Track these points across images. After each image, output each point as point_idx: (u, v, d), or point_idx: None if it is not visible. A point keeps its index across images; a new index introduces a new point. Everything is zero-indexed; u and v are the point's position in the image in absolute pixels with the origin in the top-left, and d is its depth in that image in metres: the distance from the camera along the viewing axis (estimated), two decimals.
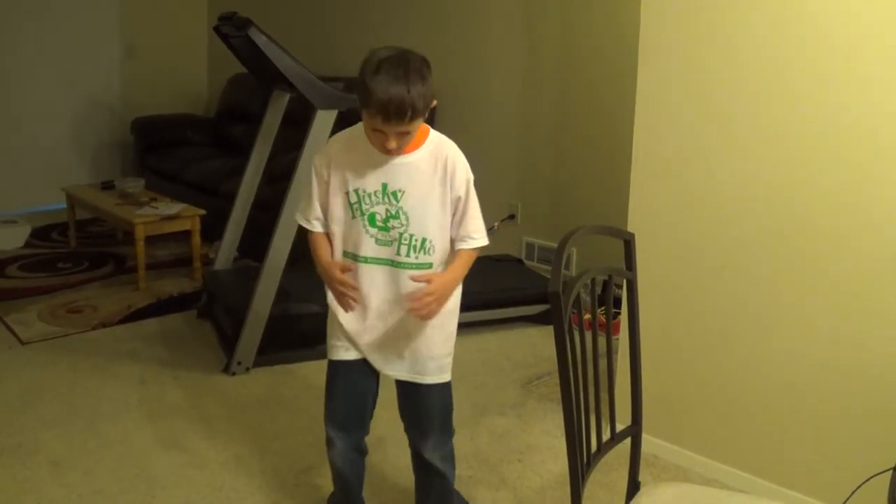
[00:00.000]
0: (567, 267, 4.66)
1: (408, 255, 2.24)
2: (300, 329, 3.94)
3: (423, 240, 2.24)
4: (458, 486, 2.78)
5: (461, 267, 2.29)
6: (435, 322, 2.32)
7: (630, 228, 2.98)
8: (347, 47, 6.23)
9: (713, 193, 2.82)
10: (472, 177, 2.28)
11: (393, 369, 2.38)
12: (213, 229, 4.99)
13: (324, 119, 3.59)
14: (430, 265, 2.27)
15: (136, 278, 4.95)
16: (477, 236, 2.30)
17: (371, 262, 2.27)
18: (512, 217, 5.27)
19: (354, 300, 2.30)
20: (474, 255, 2.32)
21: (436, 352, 2.36)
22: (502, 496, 2.87)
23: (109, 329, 4.34)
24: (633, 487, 2.10)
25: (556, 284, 1.61)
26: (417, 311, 2.22)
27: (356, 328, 2.35)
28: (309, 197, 2.32)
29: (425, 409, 2.44)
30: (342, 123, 3.66)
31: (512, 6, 5.12)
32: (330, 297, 2.38)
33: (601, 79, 4.68)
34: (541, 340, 4.23)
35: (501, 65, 5.24)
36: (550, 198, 5.08)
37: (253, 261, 4.77)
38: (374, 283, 2.29)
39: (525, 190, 5.22)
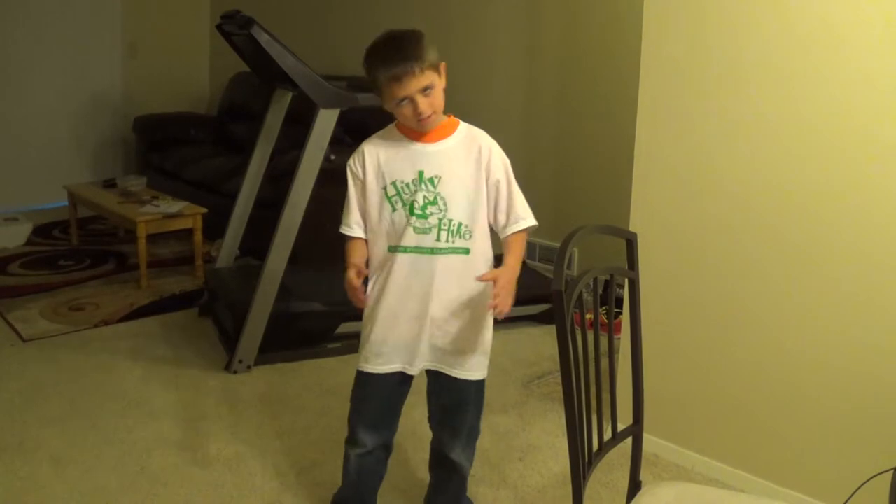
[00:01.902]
0: (569, 266, 4.65)
1: (446, 240, 2.28)
2: (302, 327, 3.94)
3: (460, 224, 2.29)
4: None
5: (517, 254, 2.34)
6: (477, 317, 2.36)
7: (632, 228, 2.99)
8: (350, 46, 6.22)
9: (715, 193, 2.82)
10: (508, 161, 2.37)
11: (428, 361, 2.39)
12: (214, 227, 4.99)
13: (326, 118, 3.59)
14: (466, 251, 2.31)
15: (138, 276, 4.95)
16: (527, 216, 2.36)
17: (411, 252, 2.29)
18: None
19: (359, 303, 2.35)
20: (526, 237, 2.38)
21: (472, 346, 2.39)
22: (503, 495, 2.87)
23: (111, 327, 4.34)
24: (634, 487, 2.10)
25: (559, 284, 1.61)
26: (498, 313, 2.24)
27: (391, 325, 2.36)
28: (347, 203, 2.37)
29: (463, 404, 2.46)
30: (344, 122, 3.69)
31: (513, 8, 5.12)
32: (368, 308, 2.40)
33: (603, 78, 4.68)
34: (542, 340, 4.23)
35: (503, 64, 5.24)
36: (552, 197, 5.08)
37: (254, 259, 4.78)
38: (408, 277, 2.31)
39: (526, 189, 5.17)
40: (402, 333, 2.35)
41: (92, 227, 6.25)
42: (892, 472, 2.04)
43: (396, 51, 2.16)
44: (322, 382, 3.70)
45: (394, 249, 2.30)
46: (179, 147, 6.70)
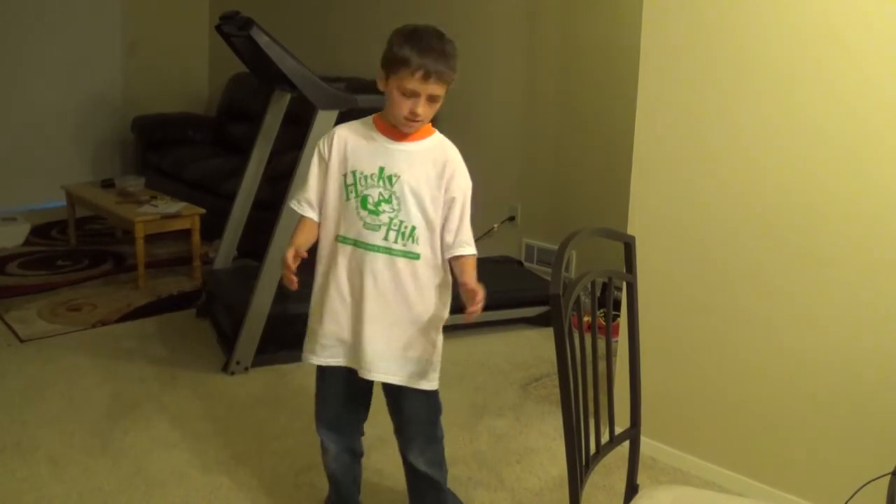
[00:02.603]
0: (567, 269, 4.66)
1: (395, 241, 2.25)
2: (299, 329, 3.89)
3: (413, 228, 2.25)
4: (457, 487, 2.79)
5: (468, 274, 2.28)
6: (420, 325, 2.32)
7: (630, 231, 2.99)
8: (349, 48, 6.23)
9: (714, 196, 2.82)
10: (470, 185, 2.31)
11: (373, 368, 2.33)
12: (212, 228, 4.99)
13: (325, 119, 3.59)
14: (417, 256, 2.28)
15: (136, 277, 4.95)
16: (471, 245, 2.32)
17: (356, 246, 2.27)
18: (512, 219, 5.27)
19: (290, 284, 2.27)
20: (474, 265, 2.32)
21: (413, 353, 2.33)
22: (500, 498, 2.87)
23: (109, 327, 4.34)
24: (632, 490, 2.10)
25: (557, 287, 1.61)
26: (472, 314, 2.23)
27: (334, 317, 2.33)
28: (305, 179, 2.35)
29: (407, 414, 2.43)
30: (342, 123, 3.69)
31: (513, 9, 5.12)
32: (314, 296, 2.38)
33: (602, 80, 4.68)
34: (540, 342, 4.23)
35: (502, 67, 5.24)
36: (550, 200, 5.08)
37: (252, 260, 4.77)
38: (356, 267, 2.28)
39: (525, 192, 5.22)
40: (343, 327, 2.33)
41: (90, 227, 6.24)
42: (889, 476, 2.04)
43: (440, 50, 2.14)
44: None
45: (342, 240, 2.29)
46: (178, 147, 6.71)
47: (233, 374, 3.76)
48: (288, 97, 4.19)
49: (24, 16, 6.67)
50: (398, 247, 2.26)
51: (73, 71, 7.02)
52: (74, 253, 5.64)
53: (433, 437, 2.48)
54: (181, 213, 5.06)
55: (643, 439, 2.18)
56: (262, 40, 3.54)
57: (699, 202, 2.86)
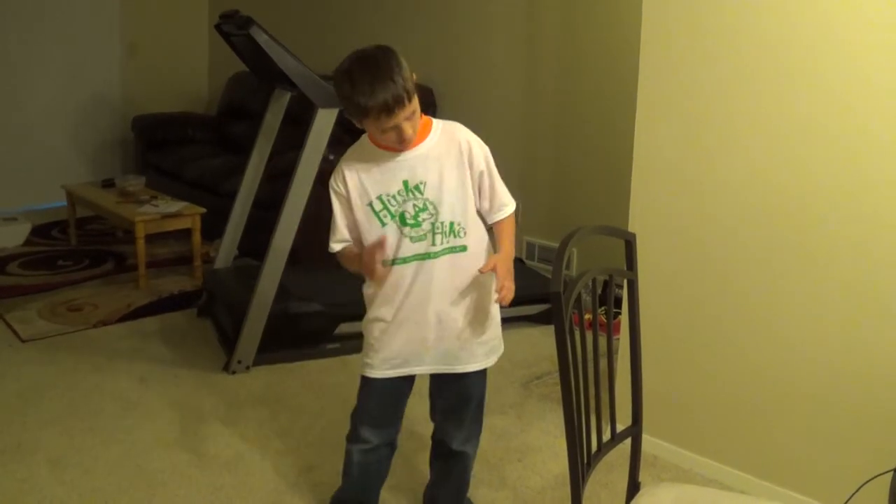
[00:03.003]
0: (567, 267, 4.65)
1: (441, 242, 2.27)
2: (300, 328, 3.94)
3: (452, 224, 2.27)
4: None
5: (509, 238, 2.37)
6: (486, 309, 2.37)
7: (631, 228, 2.98)
8: (348, 46, 6.18)
9: (714, 193, 2.82)
10: (487, 149, 2.34)
11: (437, 364, 2.38)
12: (213, 228, 4.99)
13: (324, 118, 3.59)
14: (464, 248, 2.30)
15: (137, 276, 4.95)
16: (509, 202, 2.39)
17: (411, 261, 2.27)
18: None
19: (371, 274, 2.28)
20: (513, 221, 2.41)
21: (481, 337, 2.38)
22: (502, 496, 2.87)
23: (109, 327, 4.33)
24: (634, 488, 2.09)
25: (558, 284, 1.61)
26: (504, 299, 2.24)
27: (395, 333, 2.34)
28: (333, 222, 2.33)
29: (466, 395, 2.47)
30: (343, 122, 3.68)
31: (512, 8, 5.12)
32: (368, 315, 2.39)
33: (602, 78, 4.67)
34: (541, 340, 4.22)
35: (502, 64, 5.23)
36: (551, 197, 5.08)
37: (253, 259, 4.77)
38: (415, 281, 2.29)
39: (525, 189, 5.21)
40: (408, 340, 2.34)
41: (90, 227, 6.24)
42: (891, 473, 2.04)
43: (380, 80, 2.07)
44: (321, 383, 3.69)
45: (391, 262, 2.28)
46: (178, 147, 6.70)
47: (234, 373, 3.76)
48: (288, 96, 4.18)
49: (24, 16, 6.67)
50: (446, 246, 2.28)
51: (74, 71, 7.02)
52: (75, 253, 5.64)
53: (481, 416, 2.56)
54: (181, 212, 5.06)
55: (645, 437, 2.17)
56: (262, 39, 3.53)
57: (699, 199, 2.86)
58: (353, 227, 2.31)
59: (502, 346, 2.47)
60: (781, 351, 2.73)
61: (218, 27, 3.90)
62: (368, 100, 2.07)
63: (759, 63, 2.64)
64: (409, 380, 2.43)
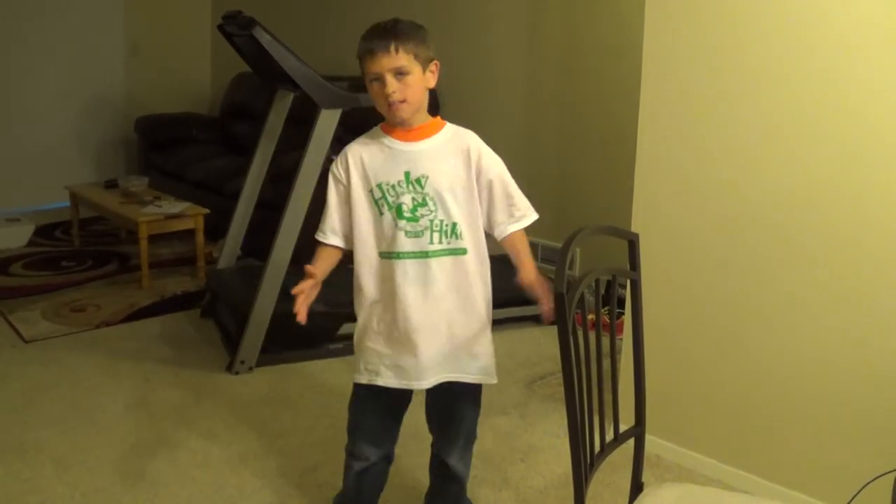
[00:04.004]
0: (570, 267, 4.65)
1: (440, 241, 2.21)
2: (303, 328, 3.91)
3: (454, 224, 2.22)
4: None
5: (526, 251, 2.34)
6: (481, 320, 2.32)
7: (634, 229, 2.98)
8: (351, 47, 6.19)
9: (717, 193, 2.82)
10: (500, 161, 2.31)
11: (430, 375, 2.27)
12: (216, 228, 4.99)
13: (327, 118, 3.59)
14: (464, 251, 2.24)
15: (140, 277, 4.96)
16: (529, 213, 2.37)
17: (406, 258, 2.21)
18: None
19: (299, 315, 2.28)
20: (525, 236, 2.37)
21: (477, 349, 2.32)
22: (505, 496, 2.87)
23: (113, 328, 4.34)
24: (637, 488, 2.09)
25: (561, 285, 1.61)
26: (549, 312, 2.16)
27: (388, 335, 2.27)
28: (326, 210, 2.30)
29: (459, 414, 2.40)
30: (346, 122, 3.69)
31: (515, 8, 5.12)
32: (360, 319, 2.32)
33: (605, 78, 4.67)
34: (544, 340, 4.22)
35: (505, 64, 5.24)
36: (554, 197, 5.08)
37: (256, 260, 4.77)
38: (408, 279, 2.22)
39: (528, 189, 5.15)
40: (401, 346, 2.25)
41: (94, 227, 6.25)
42: (894, 473, 2.03)
43: (383, 28, 2.13)
44: (324, 383, 3.69)
45: (387, 256, 2.22)
46: (181, 147, 6.71)
47: (237, 373, 3.76)
48: (291, 96, 4.19)
49: (26, 18, 6.68)
50: (444, 246, 2.22)
51: (77, 72, 7.04)
52: (78, 253, 5.65)
53: (473, 437, 2.49)
54: (185, 213, 5.06)
55: (648, 437, 2.17)
56: (265, 39, 3.54)
57: (702, 199, 2.86)
58: (346, 219, 2.27)
59: (495, 374, 2.38)
60: (784, 351, 2.73)
61: (221, 28, 3.90)
62: (366, 39, 2.13)
63: (762, 64, 2.64)
64: (400, 392, 2.33)
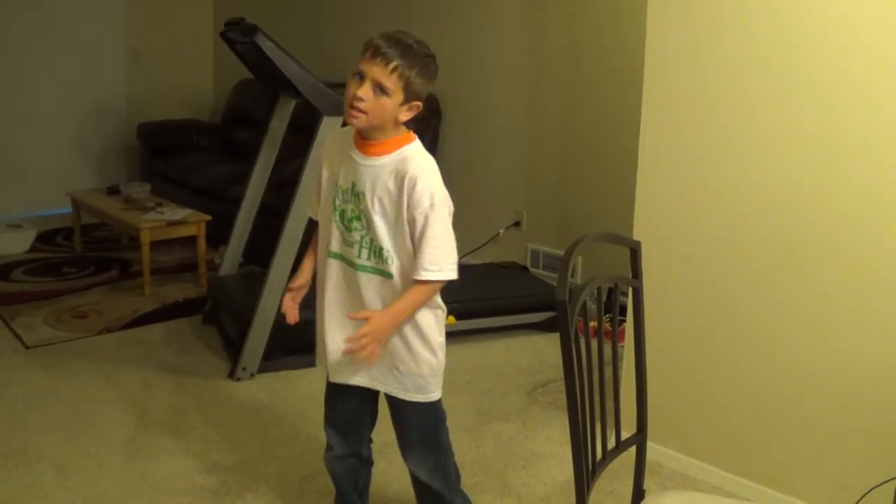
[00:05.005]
0: (572, 275, 4.66)
1: (367, 258, 2.18)
2: (305, 335, 3.90)
3: (381, 249, 2.16)
4: None
5: (405, 303, 2.14)
6: (405, 341, 2.23)
7: (636, 236, 2.98)
8: (353, 54, 6.22)
9: (719, 201, 2.82)
10: (441, 202, 2.10)
11: (341, 374, 2.32)
12: (218, 235, 4.99)
13: (329, 125, 3.59)
14: (390, 275, 2.16)
15: (142, 283, 4.95)
16: (432, 269, 2.10)
17: (338, 259, 2.23)
18: (517, 224, 5.27)
19: (289, 319, 2.39)
20: (428, 291, 2.14)
21: (405, 367, 2.25)
22: (507, 503, 2.87)
23: (114, 334, 4.34)
24: (638, 495, 2.09)
25: (563, 292, 1.61)
26: (353, 354, 2.12)
27: (331, 333, 2.29)
28: (313, 187, 2.36)
29: (408, 423, 2.36)
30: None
31: (517, 13, 5.13)
32: (317, 310, 2.34)
33: (607, 85, 4.68)
34: (546, 348, 4.22)
35: (506, 72, 5.24)
36: (556, 205, 5.08)
37: (258, 266, 4.78)
38: (338, 282, 2.24)
39: (530, 197, 5.22)
40: (339, 343, 2.24)
41: (96, 233, 6.25)
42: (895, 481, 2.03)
43: (399, 40, 2.06)
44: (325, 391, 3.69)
45: (331, 255, 2.25)
46: (183, 154, 6.71)
47: (239, 380, 3.76)
48: (293, 103, 4.19)
49: (28, 24, 6.69)
50: (372, 264, 2.18)
51: (78, 78, 7.04)
52: (80, 259, 5.64)
53: (435, 447, 2.41)
54: (186, 219, 5.06)
55: (649, 444, 2.17)
56: (267, 46, 3.54)
57: (704, 207, 2.86)
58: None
59: (434, 393, 2.30)
60: (786, 359, 2.73)
61: (223, 35, 3.91)
62: (379, 36, 2.07)
63: (765, 70, 2.65)
64: (362, 390, 2.34)
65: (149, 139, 6.94)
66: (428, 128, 5.12)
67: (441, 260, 2.11)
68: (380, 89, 2.04)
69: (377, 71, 2.03)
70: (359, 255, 2.19)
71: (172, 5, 7.53)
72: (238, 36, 3.74)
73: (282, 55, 3.58)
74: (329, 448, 2.49)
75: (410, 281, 2.14)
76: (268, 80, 4.03)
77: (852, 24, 2.45)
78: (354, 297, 2.23)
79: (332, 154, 2.27)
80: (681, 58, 2.85)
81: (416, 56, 2.06)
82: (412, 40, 2.09)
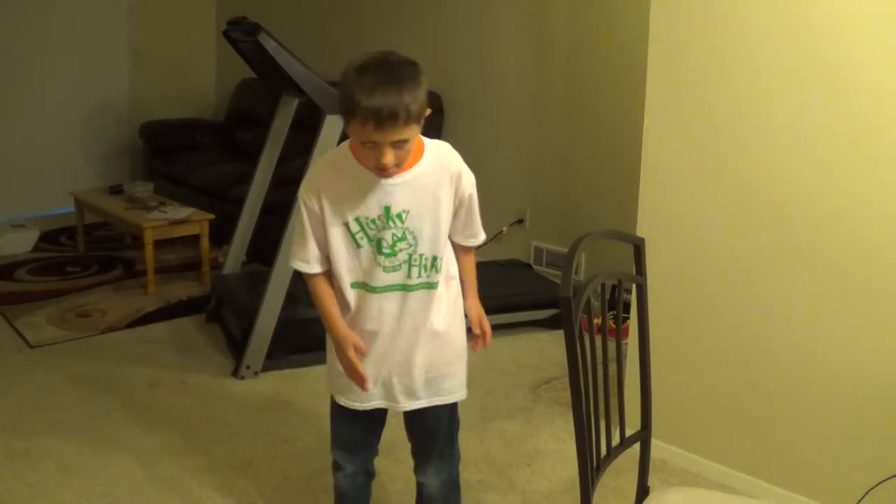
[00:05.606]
0: (576, 272, 4.65)
1: (419, 275, 2.10)
2: (309, 333, 3.91)
3: (434, 258, 2.10)
4: (467, 490, 2.77)
5: (474, 275, 2.28)
6: (452, 344, 2.22)
7: (639, 233, 2.98)
8: (356, 52, 6.22)
9: (723, 198, 2.82)
10: (474, 178, 2.17)
11: (406, 401, 2.23)
12: (221, 233, 5.00)
13: (332, 124, 3.60)
14: (435, 285, 2.13)
15: (145, 282, 4.96)
16: (481, 234, 2.25)
17: (381, 292, 2.10)
18: (521, 222, 5.27)
19: (361, 384, 2.16)
20: (474, 255, 2.30)
21: (451, 371, 2.24)
22: (511, 501, 2.87)
23: (118, 333, 4.34)
24: (643, 492, 2.09)
25: (567, 289, 1.61)
26: (488, 344, 2.23)
27: (370, 369, 2.18)
28: (301, 237, 2.10)
29: (430, 430, 2.33)
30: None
31: (521, 12, 5.13)
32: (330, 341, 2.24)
33: (610, 82, 4.68)
34: (549, 345, 4.22)
35: (510, 69, 5.24)
36: (559, 202, 5.08)
37: (261, 265, 4.78)
38: (384, 313, 2.13)
39: (534, 194, 5.22)
40: (375, 372, 2.18)
41: (99, 233, 6.25)
42: None
43: (388, 84, 1.84)
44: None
45: (360, 286, 2.11)
46: (186, 153, 6.72)
47: (243, 378, 3.77)
48: (296, 102, 4.19)
49: (30, 24, 6.69)
50: (420, 281, 2.11)
51: (81, 78, 7.04)
52: (83, 259, 5.65)
53: (451, 455, 2.39)
54: (190, 218, 5.07)
55: (654, 441, 2.17)
56: (270, 45, 3.54)
57: (708, 203, 2.86)
58: (324, 244, 2.10)
59: (465, 383, 2.29)
60: (790, 355, 2.73)
61: (226, 33, 3.91)
62: (364, 98, 1.82)
63: (769, 66, 2.64)
64: (383, 411, 2.31)
65: (151, 138, 6.94)
66: (430, 126, 5.11)
67: (479, 223, 2.24)
68: (400, 143, 1.91)
69: (390, 134, 1.87)
70: (408, 276, 2.10)
71: (175, 4, 7.53)
72: (241, 35, 3.74)
73: (284, 54, 3.58)
74: (339, 468, 2.41)
75: (449, 278, 2.18)
76: (270, 79, 4.03)
77: (862, 20, 2.44)
78: (396, 323, 2.14)
79: (331, 191, 2.06)
80: (684, 55, 2.84)
81: (406, 78, 1.89)
82: (398, 66, 1.90)
